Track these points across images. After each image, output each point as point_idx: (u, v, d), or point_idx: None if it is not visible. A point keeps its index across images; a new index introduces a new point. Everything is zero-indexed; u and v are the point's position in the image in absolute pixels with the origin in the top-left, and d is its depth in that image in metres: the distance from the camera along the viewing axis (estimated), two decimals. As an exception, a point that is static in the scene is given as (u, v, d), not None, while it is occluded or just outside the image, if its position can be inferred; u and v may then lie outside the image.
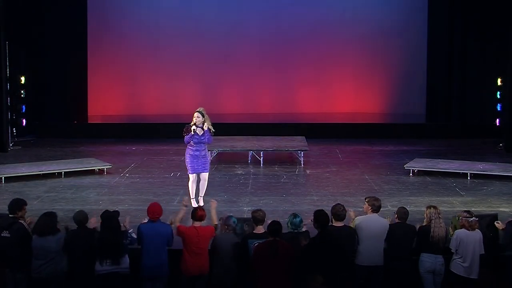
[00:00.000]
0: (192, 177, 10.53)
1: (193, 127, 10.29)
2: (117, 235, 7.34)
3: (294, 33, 19.22)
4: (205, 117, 10.40)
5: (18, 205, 7.75)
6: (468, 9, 18.56)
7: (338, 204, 7.74)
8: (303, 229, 7.57)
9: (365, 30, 19.13)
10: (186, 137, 10.35)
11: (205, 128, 10.35)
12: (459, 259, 7.64)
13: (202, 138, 10.36)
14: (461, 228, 7.70)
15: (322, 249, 7.10)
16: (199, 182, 10.63)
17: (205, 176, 10.60)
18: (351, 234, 7.60)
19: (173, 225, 7.73)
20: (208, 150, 11.84)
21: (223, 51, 19.30)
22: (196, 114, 10.37)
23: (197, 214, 7.58)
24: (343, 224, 7.60)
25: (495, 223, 8.24)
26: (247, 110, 19.34)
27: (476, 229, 7.68)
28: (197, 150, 10.41)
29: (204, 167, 10.52)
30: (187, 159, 10.51)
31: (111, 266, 7.27)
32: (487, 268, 7.92)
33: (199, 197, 10.66)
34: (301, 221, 7.50)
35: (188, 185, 10.62)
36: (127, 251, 7.40)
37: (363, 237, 7.60)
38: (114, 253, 7.26)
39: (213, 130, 10.46)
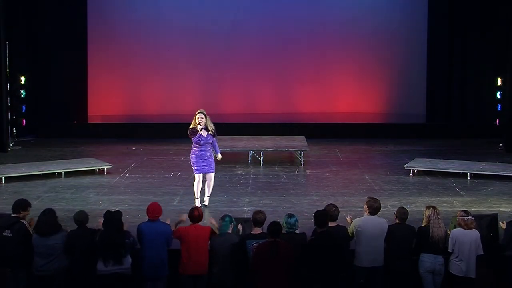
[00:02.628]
0: (198, 177, 10.55)
1: (199, 127, 10.31)
2: (120, 235, 7.34)
3: (294, 33, 19.18)
4: (206, 118, 10.44)
5: (22, 205, 7.75)
6: (468, 9, 18.56)
7: (330, 204, 7.79)
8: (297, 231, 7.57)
9: (365, 30, 19.10)
10: (194, 139, 10.39)
11: (209, 130, 10.40)
12: (455, 259, 7.64)
13: (208, 139, 10.42)
14: (458, 227, 7.71)
15: (322, 249, 7.11)
16: (205, 182, 10.65)
17: (211, 176, 10.64)
18: (344, 234, 7.61)
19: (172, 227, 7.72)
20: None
21: (223, 51, 19.27)
22: (199, 116, 10.38)
23: (194, 214, 7.56)
24: (336, 224, 7.62)
25: (499, 222, 8.24)
26: (247, 110, 19.30)
27: (473, 229, 7.68)
28: (202, 151, 10.46)
29: (210, 167, 10.56)
30: (193, 159, 10.53)
31: (113, 266, 7.27)
32: (487, 268, 7.92)
33: (205, 196, 10.69)
34: (296, 220, 7.51)
35: (193, 185, 10.64)
36: (129, 251, 7.39)
37: (362, 239, 7.59)
38: (116, 253, 7.26)
39: (213, 130, 10.46)
